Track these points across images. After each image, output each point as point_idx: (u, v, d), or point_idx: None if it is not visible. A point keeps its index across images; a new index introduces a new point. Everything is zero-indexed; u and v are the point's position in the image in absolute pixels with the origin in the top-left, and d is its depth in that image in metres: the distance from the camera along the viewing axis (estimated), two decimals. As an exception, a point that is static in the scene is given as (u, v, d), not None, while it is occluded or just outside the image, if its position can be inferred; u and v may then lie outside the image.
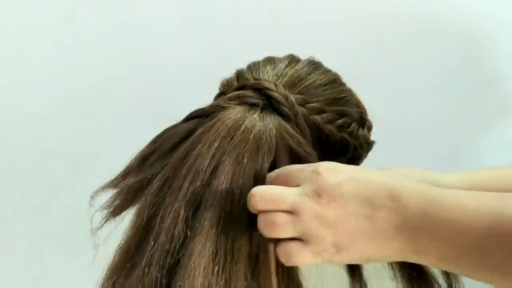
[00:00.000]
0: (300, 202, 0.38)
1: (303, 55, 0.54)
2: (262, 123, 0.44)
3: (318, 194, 0.38)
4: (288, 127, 0.44)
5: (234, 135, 0.42)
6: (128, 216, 0.46)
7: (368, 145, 0.53)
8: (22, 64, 0.81)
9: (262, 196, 0.39)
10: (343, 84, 0.51)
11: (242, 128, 0.43)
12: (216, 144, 0.42)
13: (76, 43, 0.82)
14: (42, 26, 0.81)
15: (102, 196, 0.49)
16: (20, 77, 0.81)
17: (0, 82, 0.81)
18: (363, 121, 0.52)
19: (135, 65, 0.84)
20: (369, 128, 0.53)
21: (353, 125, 0.50)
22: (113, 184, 0.47)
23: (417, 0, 0.95)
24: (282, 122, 0.44)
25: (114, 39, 0.83)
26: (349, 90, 0.51)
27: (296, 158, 0.44)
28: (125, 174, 0.46)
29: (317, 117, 0.46)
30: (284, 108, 0.44)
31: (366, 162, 0.55)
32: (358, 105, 0.52)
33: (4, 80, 0.81)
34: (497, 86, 1.02)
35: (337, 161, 0.49)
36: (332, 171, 0.39)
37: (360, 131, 0.51)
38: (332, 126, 0.47)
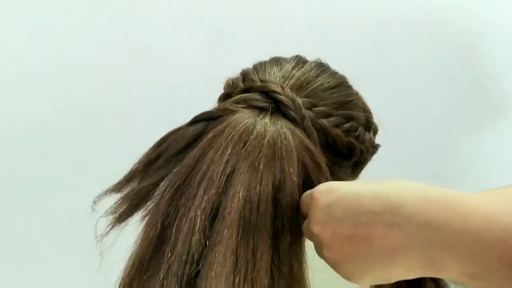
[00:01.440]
0: (308, 235, 0.38)
1: (302, 55, 0.52)
2: (274, 128, 0.42)
3: (313, 221, 0.36)
4: (297, 131, 0.43)
5: (246, 141, 0.41)
6: (132, 221, 0.45)
7: (373, 148, 0.52)
8: (22, 65, 0.81)
9: None
10: (350, 87, 0.51)
11: (254, 133, 0.42)
12: (229, 151, 0.40)
13: (76, 43, 0.82)
14: (42, 26, 0.80)
15: (100, 198, 0.48)
16: (21, 77, 0.81)
17: (0, 82, 0.80)
18: (369, 125, 0.51)
19: (135, 65, 0.84)
20: (375, 132, 0.53)
21: (359, 129, 0.49)
22: (116, 188, 0.45)
23: (417, 1, 0.94)
24: (291, 125, 0.43)
25: (115, 39, 0.83)
26: (356, 93, 0.51)
27: (309, 162, 0.42)
28: (129, 178, 0.45)
29: (324, 121, 0.45)
30: (291, 112, 0.43)
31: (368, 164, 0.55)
32: (364, 108, 0.51)
33: (4, 80, 0.81)
34: (496, 86, 1.02)
35: (343, 165, 0.49)
36: (325, 193, 0.36)
37: (366, 135, 0.50)
38: (339, 130, 0.46)
